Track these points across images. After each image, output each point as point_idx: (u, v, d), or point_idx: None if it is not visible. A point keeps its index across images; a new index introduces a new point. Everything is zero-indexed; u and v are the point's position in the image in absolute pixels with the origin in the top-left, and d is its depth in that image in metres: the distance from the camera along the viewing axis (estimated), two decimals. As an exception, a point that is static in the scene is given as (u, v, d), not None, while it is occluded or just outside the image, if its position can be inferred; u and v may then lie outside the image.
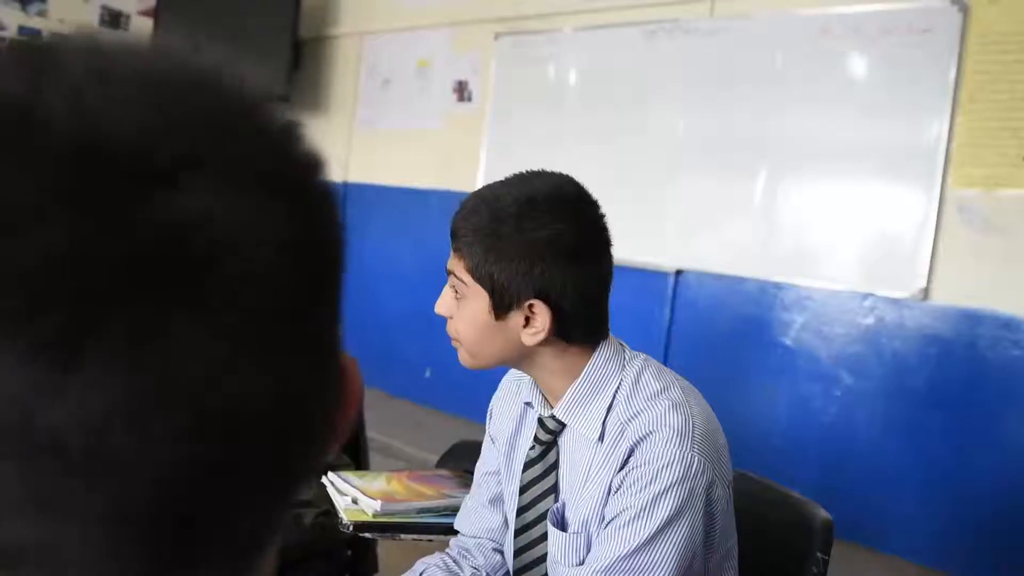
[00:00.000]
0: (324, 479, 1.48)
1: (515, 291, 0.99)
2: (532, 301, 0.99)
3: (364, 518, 1.31)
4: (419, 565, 1.22)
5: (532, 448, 1.12)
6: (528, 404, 1.14)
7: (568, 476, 1.08)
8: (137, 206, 0.26)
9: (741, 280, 3.18)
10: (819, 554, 1.21)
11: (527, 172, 1.06)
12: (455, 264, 1.03)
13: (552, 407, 1.08)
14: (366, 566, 1.72)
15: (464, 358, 1.07)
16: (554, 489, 1.10)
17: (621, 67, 3.57)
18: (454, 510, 1.37)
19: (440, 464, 1.69)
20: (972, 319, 2.66)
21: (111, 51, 0.30)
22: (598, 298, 1.05)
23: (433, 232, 4.40)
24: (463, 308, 1.04)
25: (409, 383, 4.18)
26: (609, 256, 1.06)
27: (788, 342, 3.07)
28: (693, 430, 0.97)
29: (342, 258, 0.34)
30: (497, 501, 1.21)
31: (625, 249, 3.69)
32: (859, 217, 2.91)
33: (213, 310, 0.27)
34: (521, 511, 1.13)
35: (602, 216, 1.05)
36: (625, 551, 0.93)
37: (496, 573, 1.20)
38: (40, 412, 0.24)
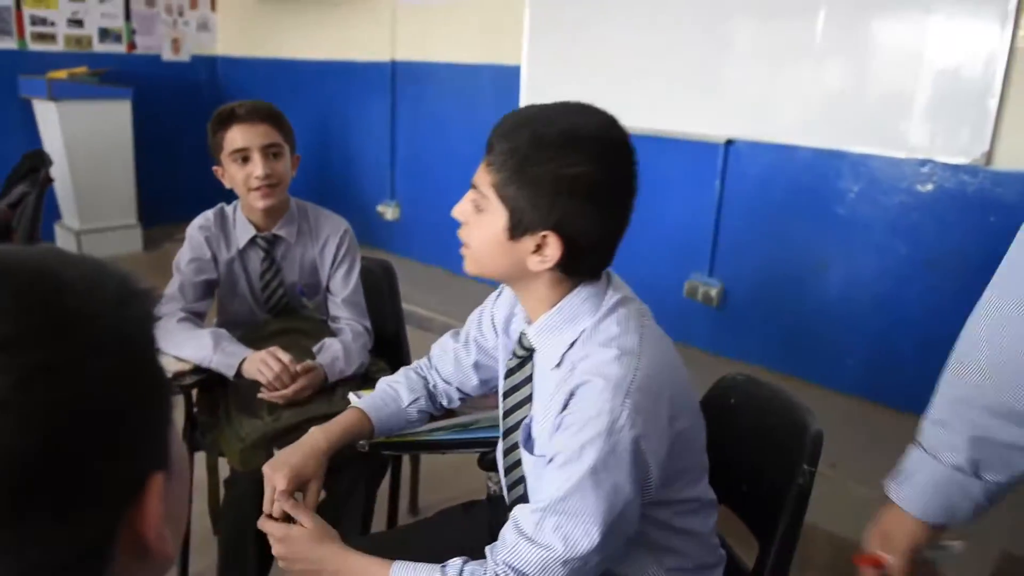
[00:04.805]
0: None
1: (533, 219, 1.01)
2: (546, 232, 1.01)
3: (379, 438, 1.42)
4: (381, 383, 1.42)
5: (511, 359, 1.19)
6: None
7: (538, 391, 1.15)
8: None
9: (794, 149, 3.05)
10: (806, 466, 1.23)
11: (577, 104, 1.04)
12: (481, 177, 1.05)
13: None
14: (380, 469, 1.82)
15: (468, 265, 1.12)
16: (530, 399, 1.16)
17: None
18: (464, 426, 1.48)
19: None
20: (1038, 184, 2.50)
21: None
22: (610, 242, 1.06)
23: (485, 108, 4.33)
24: (480, 220, 1.06)
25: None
26: (632, 203, 1.05)
27: (842, 212, 2.97)
28: (631, 383, 0.97)
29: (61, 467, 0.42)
30: (480, 368, 1.36)
31: (672, 119, 3.61)
32: (918, 74, 2.70)
33: None
34: (505, 415, 1.21)
35: (635, 163, 1.04)
36: (559, 495, 0.97)
37: (452, 404, 1.41)
38: None
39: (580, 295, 1.07)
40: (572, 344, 1.06)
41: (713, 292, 3.32)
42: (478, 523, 1.37)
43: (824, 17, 2.89)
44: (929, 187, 2.74)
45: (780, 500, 1.27)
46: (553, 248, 1.01)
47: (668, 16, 3.32)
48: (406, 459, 2.26)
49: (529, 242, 1.03)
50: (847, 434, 2.68)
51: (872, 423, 2.83)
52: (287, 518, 1.16)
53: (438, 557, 1.07)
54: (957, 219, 2.69)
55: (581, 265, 1.05)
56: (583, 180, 0.98)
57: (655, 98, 3.42)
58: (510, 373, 1.19)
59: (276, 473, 1.19)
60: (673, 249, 3.44)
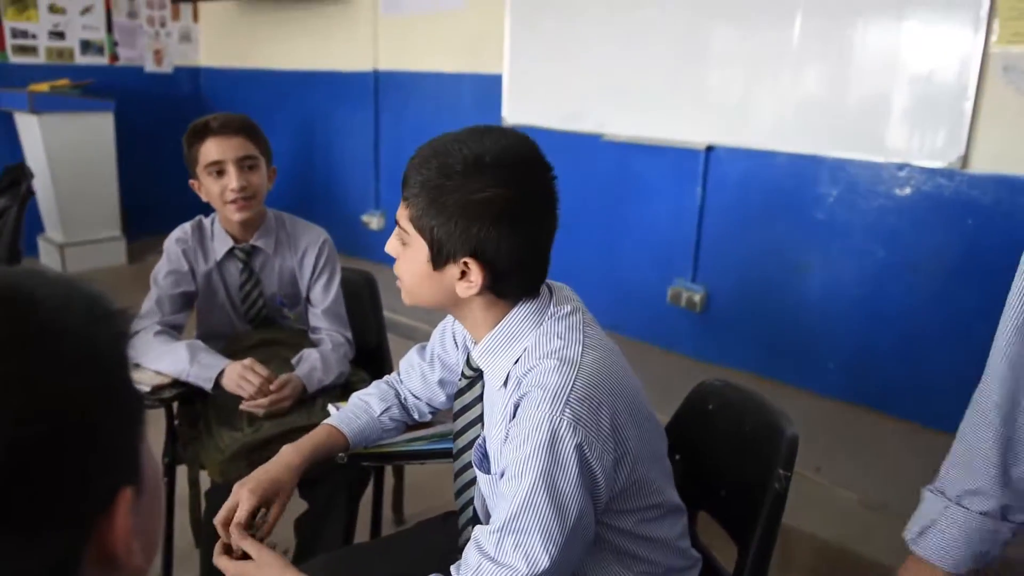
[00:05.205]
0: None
1: (452, 247, 1.02)
2: (467, 259, 1.02)
3: (359, 449, 1.42)
4: (354, 398, 1.45)
5: (460, 379, 1.21)
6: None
7: (487, 411, 1.16)
8: None
9: (773, 154, 3.08)
10: (781, 470, 1.24)
11: (485, 127, 1.05)
12: (401, 212, 1.07)
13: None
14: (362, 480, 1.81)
15: (404, 297, 1.14)
16: (480, 419, 1.18)
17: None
18: (443, 435, 1.48)
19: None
20: (1013, 187, 2.52)
21: None
22: (534, 259, 1.07)
23: (468, 116, 4.35)
24: (406, 254, 1.09)
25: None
26: (553, 218, 1.06)
27: (821, 216, 2.99)
28: (568, 393, 0.97)
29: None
30: (445, 385, 1.38)
31: (653, 126, 3.62)
32: (895, 79, 2.73)
33: None
34: (457, 435, 1.22)
35: (551, 179, 1.05)
36: (513, 512, 0.97)
37: (424, 418, 1.45)
38: None
39: (520, 314, 1.09)
40: (516, 361, 1.07)
41: (696, 297, 3.34)
42: (456, 534, 1.37)
43: (801, 24, 2.91)
44: (907, 191, 2.76)
45: (757, 504, 1.27)
46: (476, 274, 1.03)
47: (648, 24, 3.34)
48: (389, 469, 2.26)
49: (453, 270, 1.04)
50: (830, 437, 2.70)
51: (855, 426, 2.85)
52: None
53: (416, 568, 1.08)
54: (935, 222, 2.71)
55: (509, 285, 1.07)
56: (493, 203, 0.99)
57: (635, 105, 3.44)
58: (460, 393, 1.20)
59: (243, 489, 1.20)
60: (656, 255, 3.45)
